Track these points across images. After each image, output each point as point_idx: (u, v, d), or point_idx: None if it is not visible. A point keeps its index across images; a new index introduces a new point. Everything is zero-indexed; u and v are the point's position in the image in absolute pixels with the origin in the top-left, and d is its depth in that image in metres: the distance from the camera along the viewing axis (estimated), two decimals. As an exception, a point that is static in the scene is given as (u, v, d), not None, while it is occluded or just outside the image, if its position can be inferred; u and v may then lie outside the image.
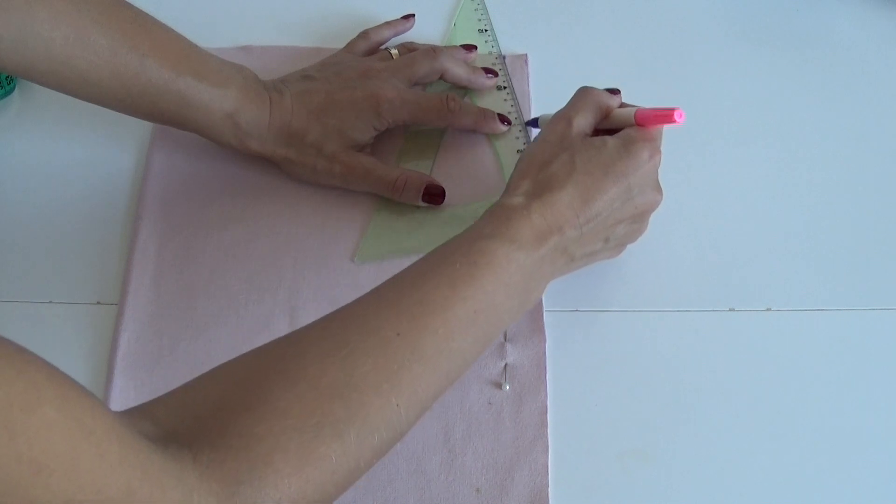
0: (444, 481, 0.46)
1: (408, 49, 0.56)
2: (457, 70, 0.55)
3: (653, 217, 0.53)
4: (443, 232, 0.48)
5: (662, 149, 0.46)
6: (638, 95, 0.58)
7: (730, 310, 0.51)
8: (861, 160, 0.56)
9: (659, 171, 0.46)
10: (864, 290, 0.52)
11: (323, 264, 0.52)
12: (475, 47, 0.58)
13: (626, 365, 0.49)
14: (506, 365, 0.48)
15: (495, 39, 0.60)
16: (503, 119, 0.55)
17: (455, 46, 0.57)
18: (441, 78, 0.55)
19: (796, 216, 0.54)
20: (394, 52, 0.56)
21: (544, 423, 0.47)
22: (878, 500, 0.46)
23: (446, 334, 0.37)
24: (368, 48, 0.57)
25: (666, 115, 0.44)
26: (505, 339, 0.49)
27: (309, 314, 0.48)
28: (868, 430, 0.47)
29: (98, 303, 0.51)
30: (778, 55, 0.61)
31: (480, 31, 0.60)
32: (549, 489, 0.45)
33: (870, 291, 0.52)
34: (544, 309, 0.50)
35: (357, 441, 0.35)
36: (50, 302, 0.51)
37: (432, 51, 0.54)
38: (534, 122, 0.54)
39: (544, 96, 0.58)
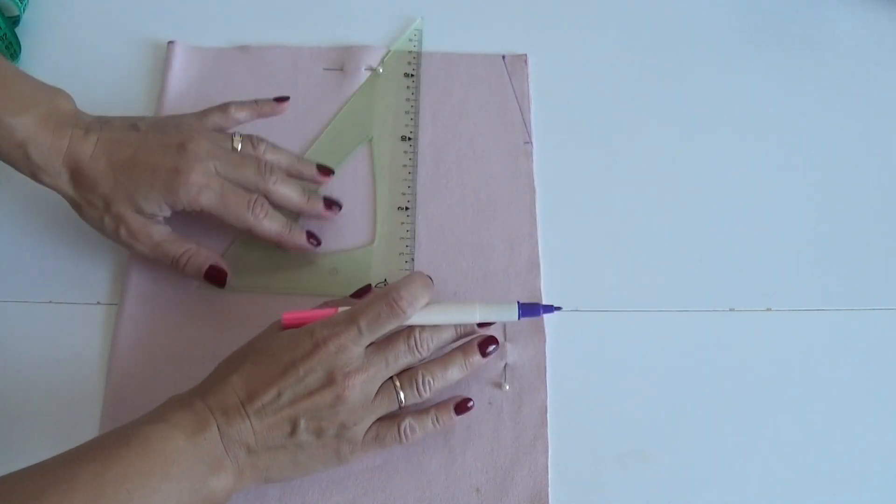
0: (443, 481, 0.46)
1: (252, 143, 0.51)
2: (287, 193, 0.50)
3: (652, 217, 0.53)
4: (301, 274, 0.50)
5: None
6: (639, 94, 0.58)
7: (730, 310, 0.51)
8: (861, 160, 0.56)
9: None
10: (864, 290, 0.52)
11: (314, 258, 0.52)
12: (331, 172, 0.53)
13: (626, 365, 0.49)
14: (506, 365, 0.48)
15: (417, 88, 0.58)
16: (311, 237, 0.51)
17: (307, 163, 0.52)
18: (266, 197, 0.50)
19: (796, 216, 0.54)
20: (237, 140, 0.50)
21: (544, 423, 0.47)
22: (877, 499, 0.46)
23: None
24: (221, 125, 0.51)
25: (320, 314, 0.43)
26: (505, 339, 0.49)
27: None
28: (868, 430, 0.48)
29: (98, 303, 0.51)
30: (778, 55, 0.61)
31: (406, 74, 0.59)
32: (549, 489, 0.45)
33: (870, 291, 0.52)
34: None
35: None
36: (50, 302, 0.51)
37: (268, 168, 0.49)
38: (532, 310, 0.46)
39: (544, 97, 0.58)
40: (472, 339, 0.46)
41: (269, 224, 0.49)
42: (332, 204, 0.52)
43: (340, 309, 0.44)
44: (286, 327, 0.44)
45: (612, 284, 0.51)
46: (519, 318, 0.45)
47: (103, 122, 0.48)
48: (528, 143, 0.56)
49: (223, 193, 0.47)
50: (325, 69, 0.59)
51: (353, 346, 0.42)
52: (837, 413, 0.48)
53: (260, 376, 0.41)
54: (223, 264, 0.50)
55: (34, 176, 0.47)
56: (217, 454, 0.40)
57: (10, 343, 0.49)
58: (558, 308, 0.46)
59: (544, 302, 0.50)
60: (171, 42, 0.59)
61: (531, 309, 0.45)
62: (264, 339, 0.44)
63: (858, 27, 0.62)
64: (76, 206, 0.48)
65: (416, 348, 0.44)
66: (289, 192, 0.50)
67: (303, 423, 0.41)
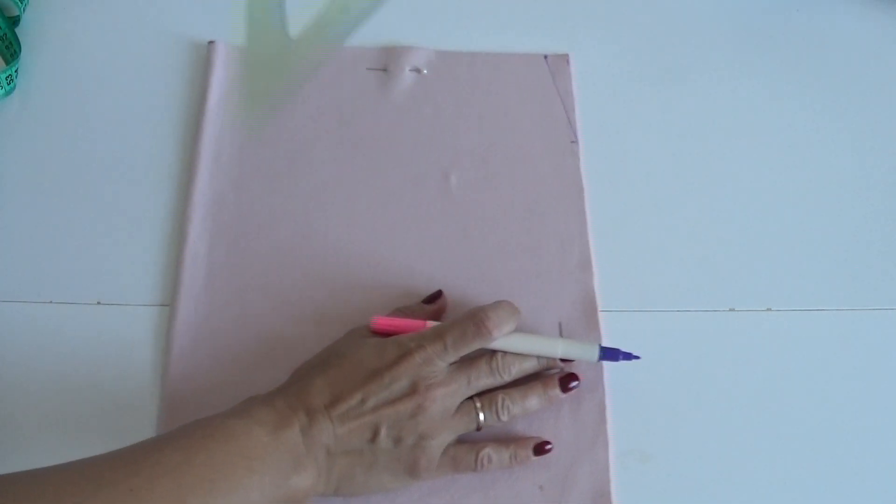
0: (507, 479, 0.46)
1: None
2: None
3: (652, 217, 0.53)
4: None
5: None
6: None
7: (730, 310, 0.51)
8: (861, 160, 0.57)
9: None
10: (864, 290, 0.52)
11: (376, 267, 0.52)
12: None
13: (626, 364, 0.49)
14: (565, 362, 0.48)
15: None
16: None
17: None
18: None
19: (796, 216, 0.54)
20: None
21: (604, 420, 0.47)
22: (878, 499, 0.46)
23: (178, 497, 0.37)
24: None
25: (411, 327, 0.45)
26: (561, 335, 0.49)
27: (363, 316, 0.48)
28: (868, 430, 0.48)
29: (98, 303, 0.50)
30: (777, 55, 0.61)
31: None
32: (612, 485, 0.46)
33: (870, 291, 0.52)
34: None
35: None
36: (50, 302, 0.50)
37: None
38: (612, 354, 0.47)
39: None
40: (554, 373, 0.47)
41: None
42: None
43: (429, 323, 0.45)
44: (375, 330, 0.45)
45: (611, 285, 0.51)
46: (598, 361, 0.46)
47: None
48: (574, 142, 0.56)
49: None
50: (368, 69, 0.58)
51: (438, 361, 0.43)
52: (837, 413, 0.48)
53: (345, 380, 0.42)
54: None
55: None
56: (298, 453, 0.40)
57: (10, 343, 0.49)
58: (637, 357, 0.47)
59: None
60: (211, 42, 0.58)
61: (611, 353, 0.46)
62: (347, 344, 0.45)
63: (858, 27, 0.62)
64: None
65: (498, 371, 0.45)
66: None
67: (384, 430, 0.42)
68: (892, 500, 0.46)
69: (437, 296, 0.49)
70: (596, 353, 0.46)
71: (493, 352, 0.45)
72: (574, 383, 0.46)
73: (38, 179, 0.54)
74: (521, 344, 0.45)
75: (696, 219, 0.54)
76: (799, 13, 0.63)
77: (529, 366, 0.46)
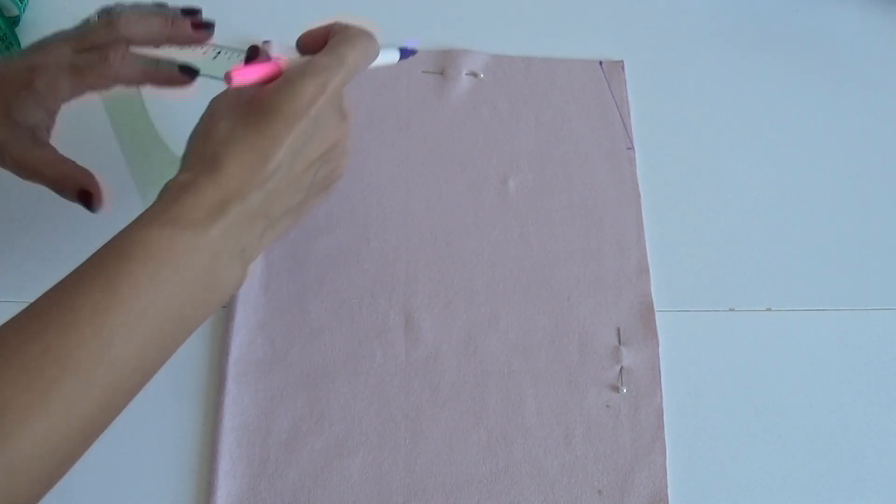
0: (566, 484, 0.46)
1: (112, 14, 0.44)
2: (144, 28, 0.43)
3: (653, 217, 0.54)
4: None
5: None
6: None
7: (730, 310, 0.51)
8: (861, 160, 0.57)
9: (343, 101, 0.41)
10: (864, 290, 0.52)
11: (437, 267, 0.52)
12: (197, 12, 0.45)
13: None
14: (622, 368, 0.49)
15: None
16: (186, 73, 0.43)
17: (176, 15, 0.45)
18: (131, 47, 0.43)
19: (796, 216, 0.54)
20: (92, 17, 0.45)
21: (661, 425, 0.48)
22: (878, 499, 0.46)
23: (101, 343, 0.32)
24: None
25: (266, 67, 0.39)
26: (619, 343, 0.50)
27: (424, 317, 0.50)
28: (868, 430, 0.48)
29: None
30: (777, 55, 0.62)
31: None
32: (669, 490, 0.46)
33: (870, 291, 0.52)
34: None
35: (6, 472, 0.30)
36: None
37: (118, 21, 0.43)
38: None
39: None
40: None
41: (131, 69, 0.43)
42: (200, 24, 0.44)
43: (282, 59, 0.39)
44: (236, 84, 0.38)
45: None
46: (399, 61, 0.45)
47: None
48: (630, 148, 0.57)
49: (73, 63, 0.42)
50: (424, 72, 0.58)
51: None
52: (837, 413, 0.48)
53: (269, 138, 0.37)
54: (95, 187, 0.45)
55: None
56: (233, 245, 0.36)
57: None
58: (414, 51, 0.46)
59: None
60: (265, 42, 0.58)
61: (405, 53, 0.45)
62: (237, 99, 0.39)
63: (858, 27, 0.63)
64: None
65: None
66: (146, 27, 0.43)
67: (313, 170, 0.40)
68: (893, 499, 0.46)
69: (254, 52, 0.40)
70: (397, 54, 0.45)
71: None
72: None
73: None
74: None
75: (696, 219, 0.55)
76: (799, 13, 0.64)
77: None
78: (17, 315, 0.33)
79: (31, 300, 0.48)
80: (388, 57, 0.44)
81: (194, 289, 0.35)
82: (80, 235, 0.50)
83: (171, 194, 0.36)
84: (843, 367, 0.50)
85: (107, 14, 0.44)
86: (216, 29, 0.45)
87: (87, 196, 0.44)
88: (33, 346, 0.32)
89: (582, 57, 0.60)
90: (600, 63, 0.60)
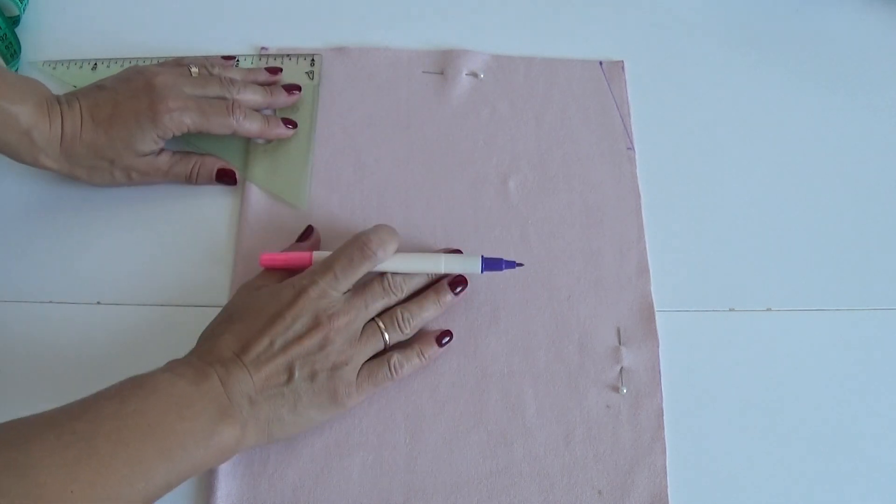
0: (565, 484, 0.46)
1: (207, 67, 0.53)
2: (252, 96, 0.54)
3: (653, 217, 0.54)
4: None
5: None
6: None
7: (730, 310, 0.51)
8: (860, 160, 0.57)
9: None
10: (864, 290, 0.52)
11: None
12: (279, 70, 0.57)
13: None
14: (622, 369, 0.49)
15: None
16: (287, 122, 0.55)
17: (257, 70, 0.56)
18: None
19: (796, 216, 0.54)
20: (193, 70, 0.53)
21: (661, 426, 0.48)
22: (878, 499, 0.46)
23: (119, 439, 0.37)
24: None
25: (297, 258, 0.48)
26: (619, 343, 0.50)
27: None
28: (868, 430, 0.48)
29: (98, 303, 0.50)
30: (777, 55, 0.62)
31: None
32: (668, 490, 0.46)
33: (870, 291, 0.52)
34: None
35: None
36: (50, 302, 0.50)
37: (228, 80, 0.53)
38: (494, 264, 0.49)
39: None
40: (443, 281, 0.48)
41: (251, 123, 0.52)
42: (291, 88, 0.56)
43: (315, 253, 0.47)
44: (263, 264, 0.48)
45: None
46: (482, 272, 0.48)
47: (78, 94, 0.50)
48: (630, 148, 0.57)
49: (201, 108, 0.50)
50: (424, 72, 0.58)
51: (332, 291, 0.45)
52: (837, 413, 0.49)
53: (250, 329, 0.43)
54: (229, 165, 0.54)
55: (36, 161, 0.49)
56: (222, 402, 0.41)
57: (10, 343, 0.48)
58: (520, 264, 0.49)
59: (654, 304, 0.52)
60: (263, 48, 0.59)
61: (494, 263, 0.48)
62: (243, 298, 0.46)
63: (858, 27, 0.63)
64: (83, 176, 0.51)
65: (391, 289, 0.47)
66: (253, 95, 0.54)
67: (297, 369, 0.43)
68: (893, 499, 0.46)
69: (308, 232, 0.51)
70: (479, 264, 0.47)
71: (384, 273, 0.47)
72: (460, 287, 0.48)
73: (38, 179, 0.53)
74: (406, 264, 0.47)
75: (696, 219, 0.55)
76: (798, 13, 0.64)
77: (419, 282, 0.48)
78: (48, 410, 0.38)
79: (32, 300, 0.49)
80: (466, 266, 0.48)
81: (195, 424, 0.41)
82: (80, 235, 0.52)
83: (169, 363, 0.43)
84: (843, 367, 0.50)
85: (206, 68, 0.53)
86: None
87: (226, 173, 0.53)
88: (67, 426, 0.38)
89: (582, 57, 0.60)
90: (600, 63, 0.60)
